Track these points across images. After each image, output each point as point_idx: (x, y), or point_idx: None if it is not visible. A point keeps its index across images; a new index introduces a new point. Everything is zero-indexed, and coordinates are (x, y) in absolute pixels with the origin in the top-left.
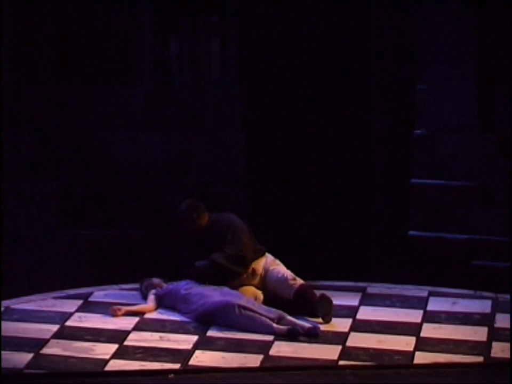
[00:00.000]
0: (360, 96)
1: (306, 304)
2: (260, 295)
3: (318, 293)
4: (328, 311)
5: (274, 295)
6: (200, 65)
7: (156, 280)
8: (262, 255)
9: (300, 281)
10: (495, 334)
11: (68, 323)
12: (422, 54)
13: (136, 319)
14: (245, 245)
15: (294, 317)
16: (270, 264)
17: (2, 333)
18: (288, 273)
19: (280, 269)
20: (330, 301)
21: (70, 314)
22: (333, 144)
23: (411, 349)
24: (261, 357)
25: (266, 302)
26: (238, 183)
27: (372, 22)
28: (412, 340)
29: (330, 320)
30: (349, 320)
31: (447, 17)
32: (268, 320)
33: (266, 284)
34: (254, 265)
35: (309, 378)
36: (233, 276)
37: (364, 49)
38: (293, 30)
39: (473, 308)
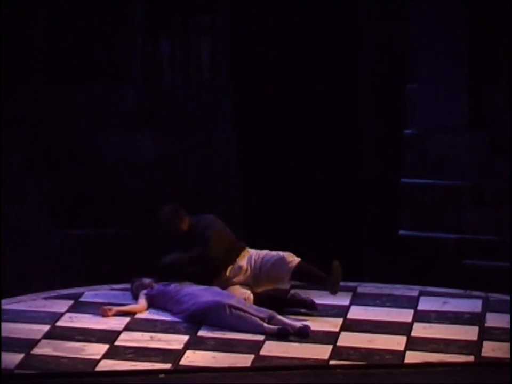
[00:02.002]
0: (350, 96)
1: (308, 276)
2: (250, 294)
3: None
4: (337, 280)
5: (269, 281)
6: (191, 65)
7: (146, 281)
8: (242, 250)
9: (297, 259)
10: (485, 333)
11: (59, 323)
12: (413, 53)
13: (127, 319)
14: (212, 249)
15: (285, 316)
16: (259, 255)
17: None
18: (284, 252)
19: (274, 252)
20: (341, 270)
21: (60, 315)
22: (323, 143)
23: (402, 348)
24: (251, 356)
25: (256, 301)
26: (230, 183)
27: (362, 23)
28: (403, 339)
29: (337, 292)
30: (340, 320)
31: (437, 17)
32: (258, 320)
33: (262, 270)
34: (239, 261)
35: (299, 378)
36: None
37: (355, 49)
38: (283, 30)
39: (464, 307)
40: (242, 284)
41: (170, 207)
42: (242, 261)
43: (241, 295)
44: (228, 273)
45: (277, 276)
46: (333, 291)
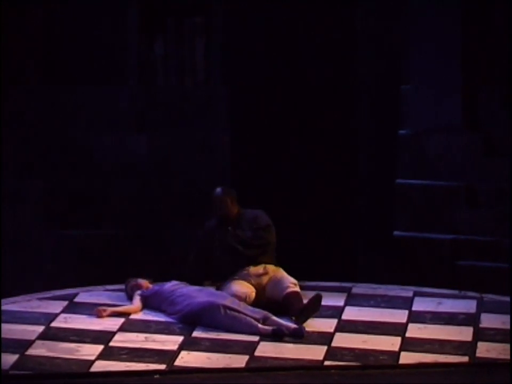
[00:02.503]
0: (345, 96)
1: (291, 305)
2: (252, 293)
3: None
4: (309, 316)
5: (268, 295)
6: (185, 65)
7: (141, 281)
8: (276, 264)
9: (297, 288)
10: (480, 334)
11: (53, 324)
12: (407, 54)
13: (122, 320)
14: (271, 243)
15: (280, 317)
16: (277, 271)
17: None
18: (292, 279)
19: (286, 275)
20: (316, 309)
21: (55, 315)
22: (318, 144)
23: (396, 349)
24: (246, 357)
25: (256, 302)
26: (224, 183)
27: (357, 23)
28: (397, 340)
29: (303, 323)
30: (334, 321)
31: (432, 17)
32: (253, 321)
33: (268, 284)
34: (267, 265)
35: (294, 379)
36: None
37: (349, 49)
38: (278, 31)
39: (458, 308)
40: (255, 285)
41: (224, 187)
42: (269, 268)
43: (244, 291)
44: (252, 269)
45: (272, 294)
46: (301, 322)
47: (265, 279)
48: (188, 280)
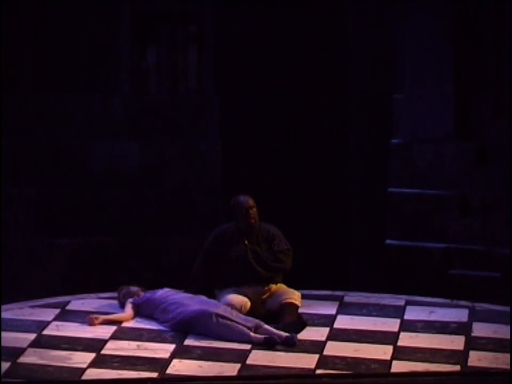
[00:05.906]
0: (337, 105)
1: (285, 317)
2: (247, 303)
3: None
4: (293, 329)
5: (267, 308)
6: (177, 74)
7: (133, 289)
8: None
9: (297, 302)
10: (472, 343)
11: (45, 332)
12: (399, 63)
13: (114, 327)
14: (287, 265)
15: (272, 326)
16: (283, 287)
17: None
18: (296, 292)
19: (292, 290)
20: (301, 327)
21: (47, 323)
22: (310, 153)
23: (388, 357)
24: (238, 365)
25: (253, 315)
26: (215, 192)
27: (349, 32)
28: (389, 348)
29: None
30: (326, 329)
31: (424, 27)
32: (245, 329)
33: (268, 298)
34: (271, 285)
35: None
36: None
37: (341, 59)
38: (270, 40)
39: (450, 317)
40: (251, 298)
41: (248, 196)
42: (272, 286)
43: (239, 301)
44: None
45: (271, 306)
46: (280, 329)
47: (265, 296)
48: (193, 289)
